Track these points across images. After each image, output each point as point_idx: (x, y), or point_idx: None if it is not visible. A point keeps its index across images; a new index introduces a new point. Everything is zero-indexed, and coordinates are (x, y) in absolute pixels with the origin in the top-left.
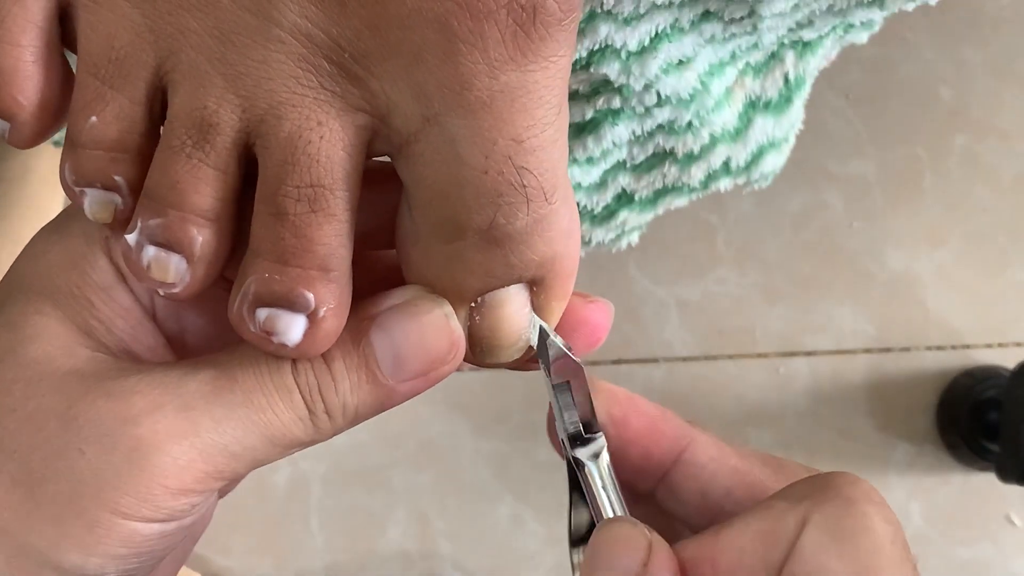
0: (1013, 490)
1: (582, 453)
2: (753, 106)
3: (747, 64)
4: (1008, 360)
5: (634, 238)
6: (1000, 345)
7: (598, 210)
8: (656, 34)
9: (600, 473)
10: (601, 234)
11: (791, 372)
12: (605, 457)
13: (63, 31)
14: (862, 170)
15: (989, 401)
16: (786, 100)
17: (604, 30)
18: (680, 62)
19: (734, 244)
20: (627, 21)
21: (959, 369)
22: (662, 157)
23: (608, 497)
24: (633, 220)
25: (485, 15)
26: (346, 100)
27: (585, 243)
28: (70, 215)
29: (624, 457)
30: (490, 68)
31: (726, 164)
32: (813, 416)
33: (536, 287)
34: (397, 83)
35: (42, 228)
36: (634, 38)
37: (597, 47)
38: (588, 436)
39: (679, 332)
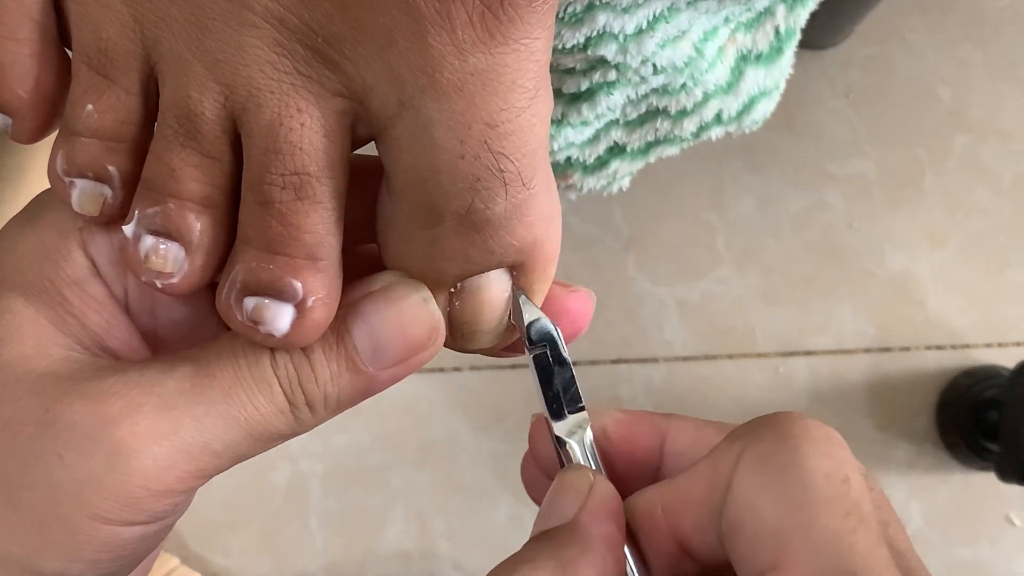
0: (1013, 490)
1: (562, 429)
2: (744, 59)
3: (738, 22)
4: (1008, 360)
5: (625, 183)
6: (1000, 345)
7: (590, 161)
8: (654, 17)
9: (583, 450)
10: (592, 182)
11: (791, 372)
12: (588, 435)
13: (59, 26)
14: (862, 170)
15: (989, 401)
16: (777, 51)
17: (602, 18)
18: (675, 37)
19: (734, 244)
20: (625, 9)
21: (959, 369)
22: (655, 114)
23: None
24: (624, 169)
25: None
26: (323, 85)
27: (577, 190)
28: (40, 205)
29: (612, 470)
30: (459, 50)
31: (718, 115)
32: (813, 416)
33: (517, 271)
34: (371, 66)
35: (11, 219)
36: (632, 23)
37: (595, 34)
38: (570, 410)
39: (679, 332)
